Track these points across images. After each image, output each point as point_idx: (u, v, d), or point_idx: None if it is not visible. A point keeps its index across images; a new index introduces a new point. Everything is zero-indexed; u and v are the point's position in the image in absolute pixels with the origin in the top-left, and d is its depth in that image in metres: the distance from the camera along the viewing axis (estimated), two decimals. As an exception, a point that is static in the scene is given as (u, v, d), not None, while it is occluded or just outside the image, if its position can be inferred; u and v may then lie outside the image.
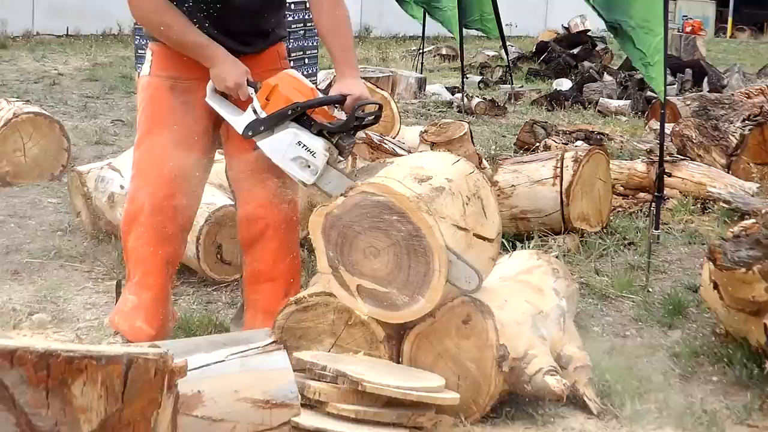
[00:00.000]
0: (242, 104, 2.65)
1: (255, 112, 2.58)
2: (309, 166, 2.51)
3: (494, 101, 9.16)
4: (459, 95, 9.32)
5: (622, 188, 5.48)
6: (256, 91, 2.60)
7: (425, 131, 5.48)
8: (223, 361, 2.16)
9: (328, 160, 2.52)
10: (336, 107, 2.67)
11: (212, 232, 3.80)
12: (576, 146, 5.78)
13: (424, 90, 9.97)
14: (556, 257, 3.55)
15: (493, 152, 6.63)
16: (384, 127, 6.02)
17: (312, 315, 2.62)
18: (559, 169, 4.55)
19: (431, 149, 5.14)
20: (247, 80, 2.63)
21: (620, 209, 5.19)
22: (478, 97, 9.42)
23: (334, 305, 2.58)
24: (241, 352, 2.20)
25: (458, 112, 8.85)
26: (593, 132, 6.79)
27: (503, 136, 7.70)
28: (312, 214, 2.50)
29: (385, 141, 5.15)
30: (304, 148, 2.50)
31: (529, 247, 4.20)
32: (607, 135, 6.84)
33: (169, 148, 2.70)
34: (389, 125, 6.11)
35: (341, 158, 2.60)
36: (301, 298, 2.64)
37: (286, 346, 2.46)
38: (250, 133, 2.58)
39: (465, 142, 5.37)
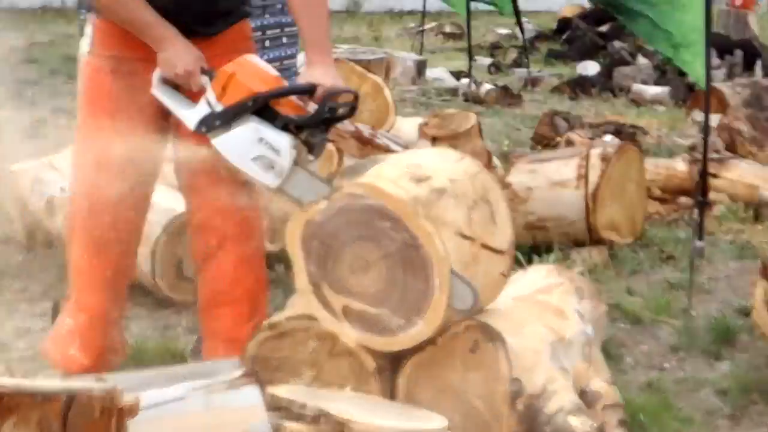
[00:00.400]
0: (195, 96, 2.66)
1: (209, 104, 2.59)
2: (273, 167, 2.52)
3: (507, 88, 9.20)
4: (466, 81, 9.35)
5: (659, 191, 5.50)
6: (210, 80, 2.61)
7: (425, 123, 5.50)
8: (183, 397, 2.16)
9: (296, 160, 2.53)
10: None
11: (171, 243, 3.80)
12: (604, 141, 5.80)
13: (425, 75, 9.99)
14: (581, 274, 3.55)
15: (505, 149, 6.65)
16: (376, 119, 6.03)
17: (289, 342, 2.61)
18: (584, 169, 4.56)
19: (432, 145, 5.15)
20: (201, 68, 2.65)
21: (657, 216, 5.21)
22: (488, 83, 9.45)
23: (316, 330, 2.58)
24: (205, 386, 2.19)
25: (465, 101, 8.87)
26: (625, 125, 6.82)
27: (518, 130, 7.72)
28: (289, 221, 2.50)
29: (377, 135, 5.16)
30: (267, 145, 2.52)
31: (548, 261, 4.20)
32: (642, 128, 6.87)
33: (108, 141, 2.70)
34: (382, 116, 6.12)
35: (312, 157, 2.61)
36: (276, 322, 2.64)
37: (258, 379, 2.44)
38: (203, 129, 2.59)
39: (472, 136, 5.38)
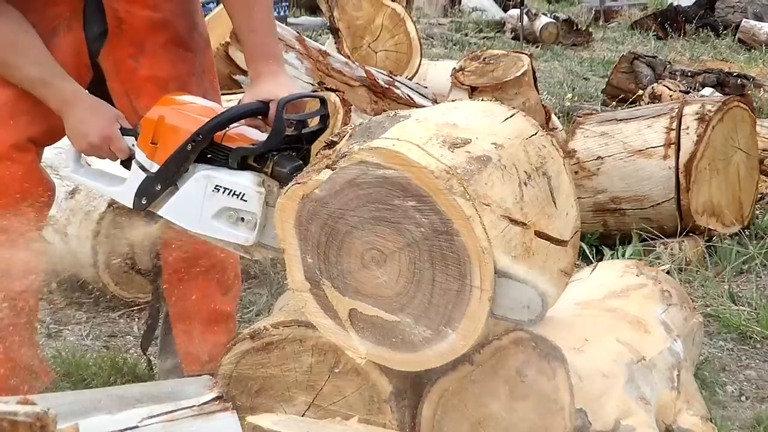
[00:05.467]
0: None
1: (142, 168, 2.65)
2: (243, 219, 2.56)
3: (572, 22, 9.18)
4: (515, 12, 9.33)
5: (775, 165, 5.50)
6: (136, 139, 2.66)
7: (461, 69, 5.51)
8: (137, 427, 2.18)
9: (267, 200, 2.56)
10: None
11: (120, 223, 3.83)
12: (703, 96, 5.79)
13: (460, 3, 9.98)
14: (668, 273, 3.56)
15: (568, 104, 6.64)
16: (395, 61, 6.04)
17: (277, 357, 2.64)
18: (674, 132, 4.56)
19: (470, 97, 5.16)
20: (121, 128, 2.72)
21: (772, 198, 5.21)
22: (546, 14, 9.43)
23: (313, 342, 2.61)
24: (166, 413, 2.22)
25: (514, 39, 8.87)
26: (731, 73, 6.80)
27: (585, 79, 7.73)
28: (280, 196, 2.52)
29: (396, 83, 5.17)
30: (227, 192, 2.56)
31: (624, 255, 4.21)
32: (754, 79, 6.85)
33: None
34: (403, 58, 6.13)
35: None
36: (260, 330, 2.66)
37: (235, 405, 2.47)
38: (144, 202, 2.66)
39: (524, 86, 5.39)
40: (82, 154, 2.80)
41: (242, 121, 2.66)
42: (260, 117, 2.67)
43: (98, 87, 2.83)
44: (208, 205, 2.58)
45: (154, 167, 2.62)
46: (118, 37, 2.83)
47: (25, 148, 2.82)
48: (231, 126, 2.61)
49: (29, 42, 2.71)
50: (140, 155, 2.65)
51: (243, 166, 2.58)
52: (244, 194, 2.55)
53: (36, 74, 2.73)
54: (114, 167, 2.83)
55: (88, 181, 2.81)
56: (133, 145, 2.68)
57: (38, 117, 2.80)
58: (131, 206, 2.68)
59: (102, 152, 2.73)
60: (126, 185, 2.69)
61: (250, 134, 2.65)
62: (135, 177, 2.66)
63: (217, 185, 2.56)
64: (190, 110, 2.65)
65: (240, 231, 2.58)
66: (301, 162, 2.62)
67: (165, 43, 2.89)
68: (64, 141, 2.89)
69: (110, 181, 2.78)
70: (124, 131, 2.71)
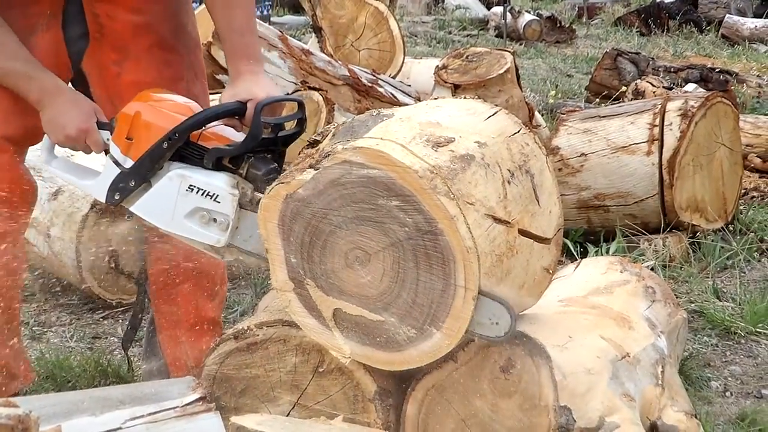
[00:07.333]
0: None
1: (116, 163, 2.65)
2: (215, 219, 2.56)
3: (555, 19, 9.18)
4: (499, 10, 9.34)
5: (759, 160, 5.51)
6: (112, 133, 2.66)
7: (444, 67, 5.51)
8: (120, 428, 2.18)
9: (241, 202, 2.56)
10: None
11: (102, 225, 3.82)
12: (686, 92, 5.80)
13: (444, 1, 9.98)
14: (652, 269, 3.57)
15: (551, 101, 6.64)
16: (378, 60, 6.04)
17: (261, 357, 2.64)
18: (657, 129, 4.57)
19: (453, 95, 5.16)
20: (98, 122, 2.71)
21: (756, 194, 5.22)
22: (529, 12, 9.44)
23: (297, 342, 2.60)
24: (149, 414, 2.22)
25: (497, 36, 8.87)
26: (714, 69, 6.82)
27: (569, 76, 7.73)
28: (264, 195, 2.52)
29: (379, 81, 5.17)
30: (201, 192, 2.56)
31: (608, 252, 4.22)
32: (737, 74, 6.87)
33: None
34: (386, 56, 6.13)
35: (261, 195, 2.64)
36: (244, 330, 2.66)
37: (219, 405, 2.47)
38: (116, 197, 2.65)
39: (507, 84, 5.40)
40: (57, 146, 2.79)
41: (219, 120, 2.66)
42: (237, 117, 2.67)
43: (80, 91, 2.83)
44: (181, 205, 2.58)
45: (128, 163, 2.62)
46: (99, 43, 2.83)
47: (0, 148, 2.82)
48: (208, 125, 2.62)
49: (6, 37, 2.71)
50: (115, 150, 2.65)
51: (218, 166, 2.58)
52: (217, 195, 2.55)
53: (19, 67, 2.73)
54: (87, 161, 2.84)
55: (61, 173, 2.81)
56: (108, 139, 2.68)
57: (12, 116, 2.80)
58: (103, 201, 2.67)
59: (77, 144, 2.73)
60: (99, 179, 2.68)
61: (226, 134, 2.65)
62: (108, 171, 2.66)
63: (191, 185, 2.57)
64: (167, 107, 2.65)
65: (212, 232, 2.58)
66: (276, 165, 2.63)
67: (149, 47, 2.89)
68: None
69: (83, 174, 2.78)
70: (100, 125, 2.71)
